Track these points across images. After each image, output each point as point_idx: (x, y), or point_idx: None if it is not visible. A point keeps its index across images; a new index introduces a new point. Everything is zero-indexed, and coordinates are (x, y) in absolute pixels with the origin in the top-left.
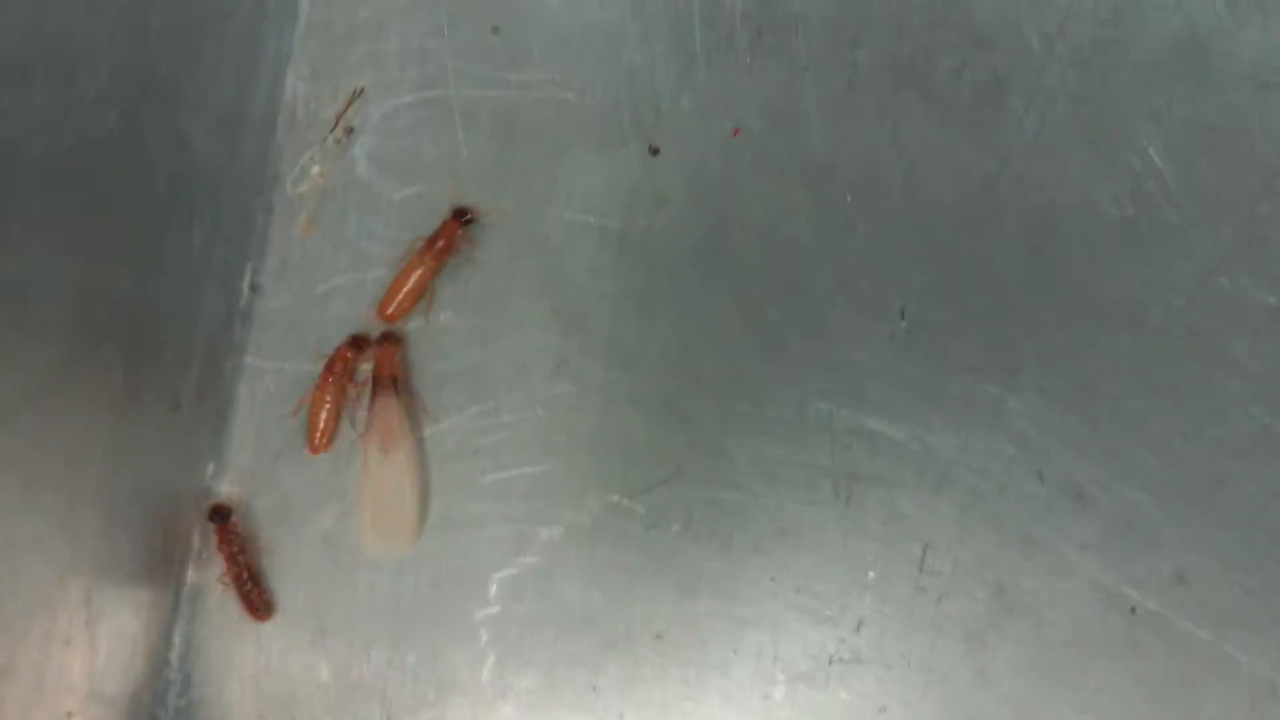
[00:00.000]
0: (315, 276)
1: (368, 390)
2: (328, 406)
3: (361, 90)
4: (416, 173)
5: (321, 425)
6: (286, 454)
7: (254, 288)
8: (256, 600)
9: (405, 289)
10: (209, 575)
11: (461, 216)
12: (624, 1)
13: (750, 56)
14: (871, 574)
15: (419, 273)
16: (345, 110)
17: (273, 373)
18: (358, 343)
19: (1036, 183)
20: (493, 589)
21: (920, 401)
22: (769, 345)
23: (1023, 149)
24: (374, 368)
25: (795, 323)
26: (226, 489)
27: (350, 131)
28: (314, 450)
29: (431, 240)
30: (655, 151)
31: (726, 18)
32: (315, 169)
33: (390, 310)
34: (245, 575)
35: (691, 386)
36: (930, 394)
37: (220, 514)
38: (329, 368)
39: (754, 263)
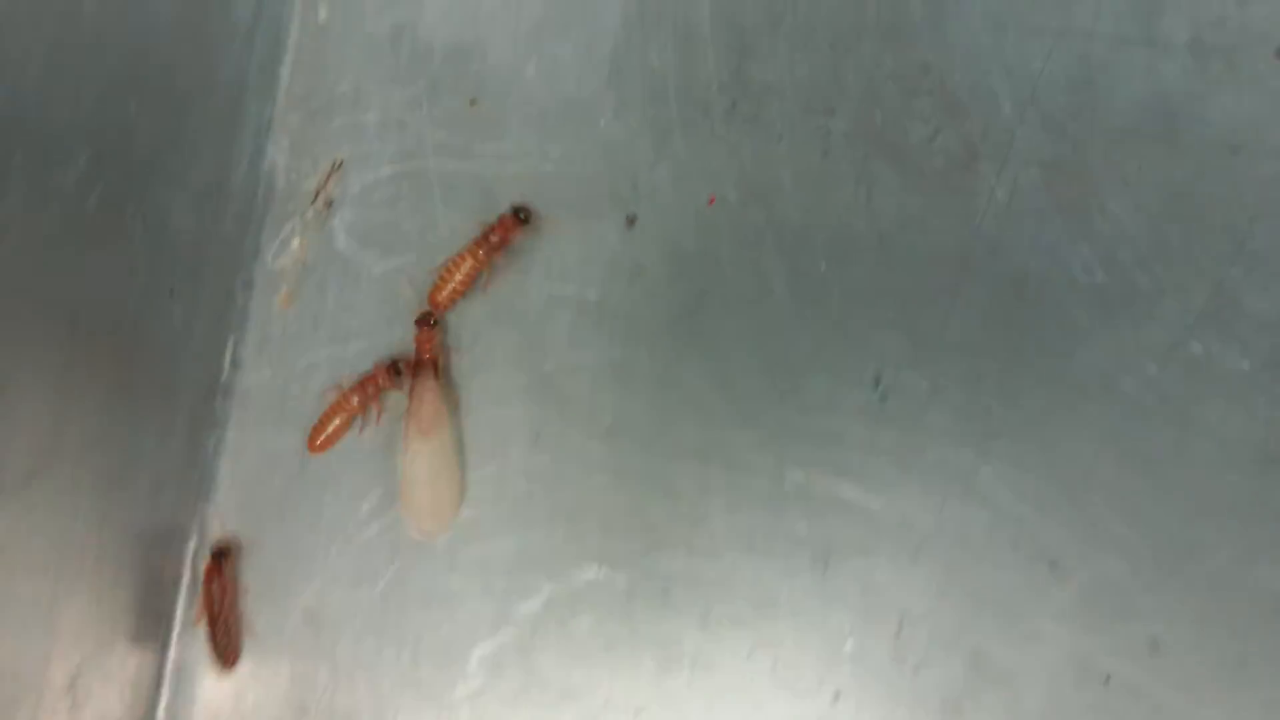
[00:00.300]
0: (296, 351)
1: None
2: (342, 415)
3: (341, 163)
4: (396, 245)
5: (330, 429)
6: (270, 529)
7: (235, 363)
8: (222, 648)
9: (457, 278)
10: (193, 653)
11: (520, 214)
12: (600, 73)
13: (726, 126)
14: (849, 644)
15: (470, 264)
16: (325, 183)
17: (254, 448)
18: (396, 368)
19: (1009, 249)
20: (473, 663)
21: (896, 470)
22: (746, 414)
23: (995, 216)
24: (415, 350)
25: (772, 391)
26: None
27: (330, 204)
28: (312, 448)
29: (486, 234)
30: (632, 222)
31: (702, 88)
32: (295, 242)
33: (441, 297)
34: (220, 621)
35: (670, 457)
36: (906, 462)
37: (221, 553)
38: (361, 385)
39: (731, 332)
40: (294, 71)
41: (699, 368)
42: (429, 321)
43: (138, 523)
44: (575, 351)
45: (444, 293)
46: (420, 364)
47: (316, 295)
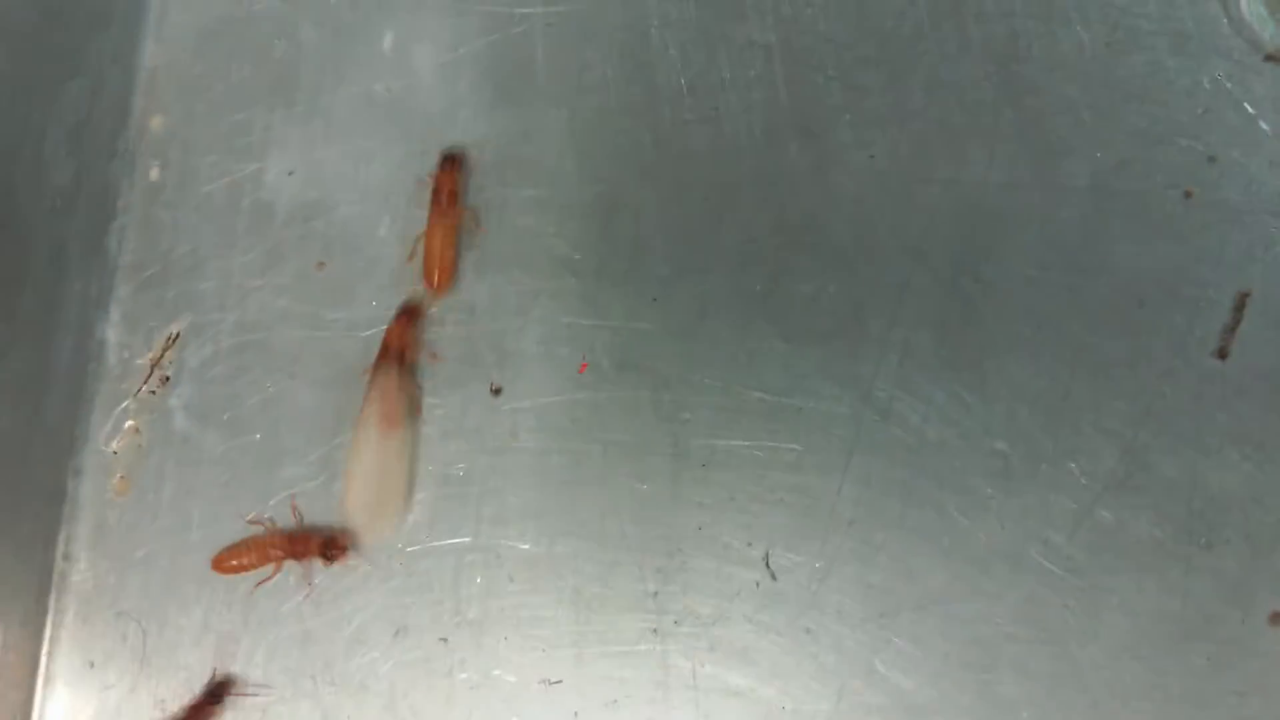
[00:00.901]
0: (133, 540)
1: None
2: (256, 555)
3: (178, 335)
4: (239, 424)
5: (238, 561)
6: None
7: (66, 557)
8: None
9: (438, 255)
10: None
11: (454, 161)
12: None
13: (595, 287)
14: None
15: (441, 232)
16: (160, 358)
17: (90, 648)
18: (328, 550)
19: (902, 414)
20: None
21: (789, 654)
22: (626, 598)
23: (886, 378)
24: (385, 337)
25: (655, 574)
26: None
27: (166, 380)
28: (215, 566)
29: (436, 199)
30: (498, 391)
31: (569, 248)
32: (129, 424)
33: (436, 281)
34: None
35: (544, 648)
36: (800, 645)
37: (218, 691)
38: (290, 540)
39: (609, 508)
40: (124, 238)
41: (574, 548)
42: (411, 315)
43: None
44: (438, 533)
45: (435, 276)
46: (385, 354)
47: (154, 480)
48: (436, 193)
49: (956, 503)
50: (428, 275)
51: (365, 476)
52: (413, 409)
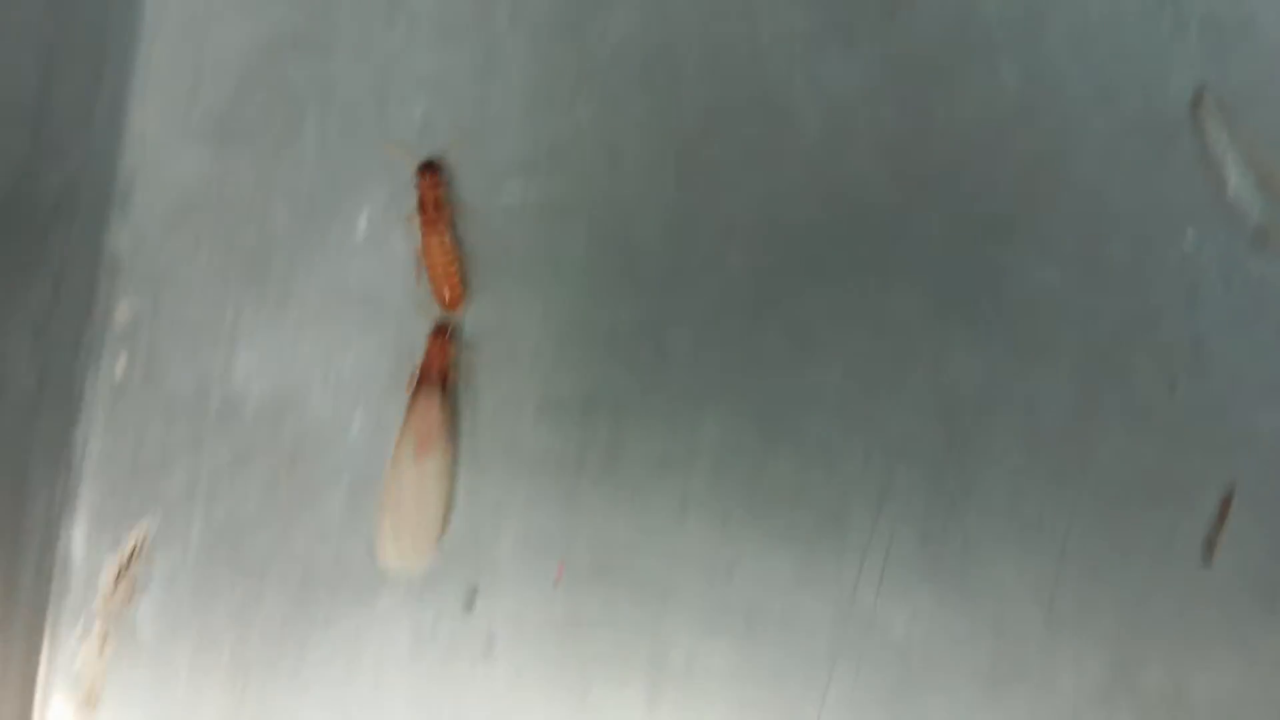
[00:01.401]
0: None
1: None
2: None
3: (144, 542)
4: (209, 636)
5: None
6: None
7: None
8: None
9: (443, 268)
10: None
11: (431, 167)
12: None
13: (575, 483)
14: None
15: (437, 245)
16: (127, 567)
17: None
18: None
19: (886, 621)
20: None
21: None
22: None
23: (870, 582)
24: (423, 360)
25: None
26: None
27: (133, 591)
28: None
29: (423, 211)
30: (472, 598)
31: (545, 444)
32: (96, 638)
33: (448, 296)
34: None
35: None
36: None
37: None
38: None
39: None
40: (88, 439)
41: None
42: (444, 332)
43: None
44: None
45: (446, 292)
46: (426, 375)
47: (121, 699)
48: (422, 205)
49: (942, 714)
50: (438, 295)
51: (398, 504)
52: (452, 433)
